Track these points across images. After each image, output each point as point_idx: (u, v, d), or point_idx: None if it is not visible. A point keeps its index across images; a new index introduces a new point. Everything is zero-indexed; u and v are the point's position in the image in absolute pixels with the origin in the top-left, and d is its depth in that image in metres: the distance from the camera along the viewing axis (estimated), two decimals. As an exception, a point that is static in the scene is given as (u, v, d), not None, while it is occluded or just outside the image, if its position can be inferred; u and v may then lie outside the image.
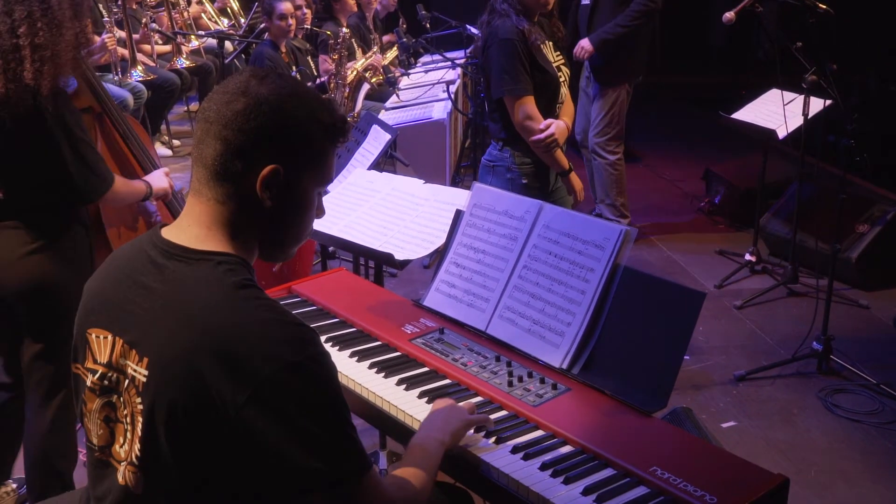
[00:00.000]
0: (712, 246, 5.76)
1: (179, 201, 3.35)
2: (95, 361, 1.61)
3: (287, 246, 1.69)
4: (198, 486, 1.51)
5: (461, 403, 1.94)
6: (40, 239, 2.62)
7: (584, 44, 5.47)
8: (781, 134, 4.83)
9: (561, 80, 3.45)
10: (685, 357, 4.20)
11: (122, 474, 1.58)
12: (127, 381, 1.55)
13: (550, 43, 3.46)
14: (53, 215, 2.67)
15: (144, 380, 1.51)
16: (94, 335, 1.62)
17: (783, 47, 4.54)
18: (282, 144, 1.55)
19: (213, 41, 7.72)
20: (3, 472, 3.08)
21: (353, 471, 1.51)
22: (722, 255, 5.59)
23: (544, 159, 3.45)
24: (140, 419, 1.53)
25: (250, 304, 1.50)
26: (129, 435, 1.56)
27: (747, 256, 5.34)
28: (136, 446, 1.54)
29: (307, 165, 1.59)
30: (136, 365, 1.53)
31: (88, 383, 1.63)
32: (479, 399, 2.03)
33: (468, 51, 6.39)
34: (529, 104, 3.34)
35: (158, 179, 3.11)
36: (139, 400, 1.53)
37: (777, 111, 4.88)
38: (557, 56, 3.48)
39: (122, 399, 1.57)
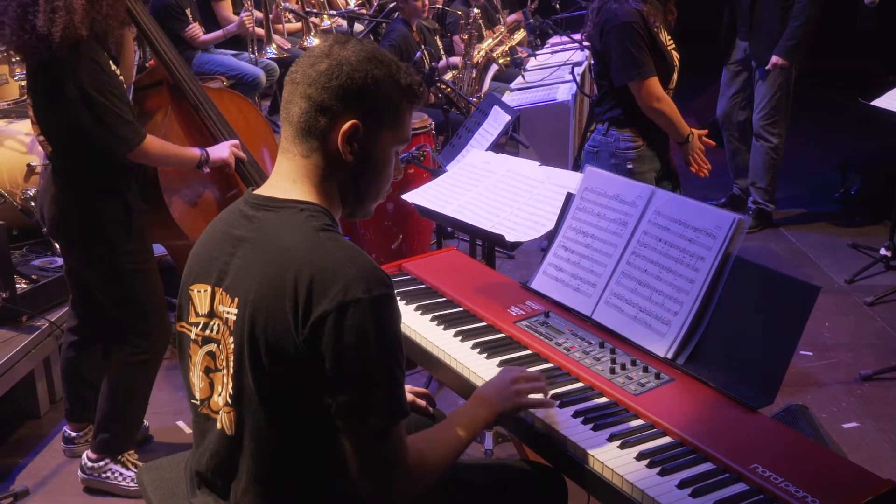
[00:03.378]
0: (846, 239, 5.51)
1: (252, 172, 3.43)
2: (197, 314, 1.73)
3: (366, 201, 1.78)
4: (279, 424, 1.62)
5: (522, 372, 1.92)
6: (76, 198, 2.86)
7: (777, 61, 5.37)
8: (925, 123, 4.56)
9: (675, 64, 3.42)
10: (808, 353, 4.05)
11: (220, 421, 1.69)
12: (223, 326, 1.67)
13: (663, 27, 3.40)
14: (88, 178, 2.86)
15: (234, 318, 1.63)
16: (195, 290, 1.74)
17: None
18: (362, 102, 1.66)
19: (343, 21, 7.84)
20: (85, 414, 3.31)
21: (386, 414, 1.57)
22: (855, 248, 5.34)
23: (665, 128, 3.41)
24: (232, 358, 1.64)
25: (330, 243, 1.61)
26: (224, 380, 1.67)
27: (882, 251, 5.08)
28: (230, 385, 1.65)
29: (385, 123, 1.70)
30: (229, 307, 1.65)
31: (192, 336, 1.75)
32: (578, 385, 2.01)
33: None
34: (656, 86, 3.32)
35: (218, 150, 3.22)
36: (231, 340, 1.64)
37: (922, 98, 4.61)
38: (669, 40, 3.42)
39: (220, 347, 1.68)
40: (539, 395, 1.89)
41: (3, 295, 3.42)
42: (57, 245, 3.82)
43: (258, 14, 6.43)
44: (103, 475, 3.10)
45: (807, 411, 2.59)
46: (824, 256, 5.29)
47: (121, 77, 2.87)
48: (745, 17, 5.47)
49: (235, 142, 3.33)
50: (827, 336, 4.24)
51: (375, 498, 1.64)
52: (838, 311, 4.51)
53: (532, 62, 7.21)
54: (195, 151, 3.14)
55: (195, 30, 5.95)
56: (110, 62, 2.81)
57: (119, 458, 3.13)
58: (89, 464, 3.11)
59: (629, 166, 3.42)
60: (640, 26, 3.27)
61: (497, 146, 4.07)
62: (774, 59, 5.36)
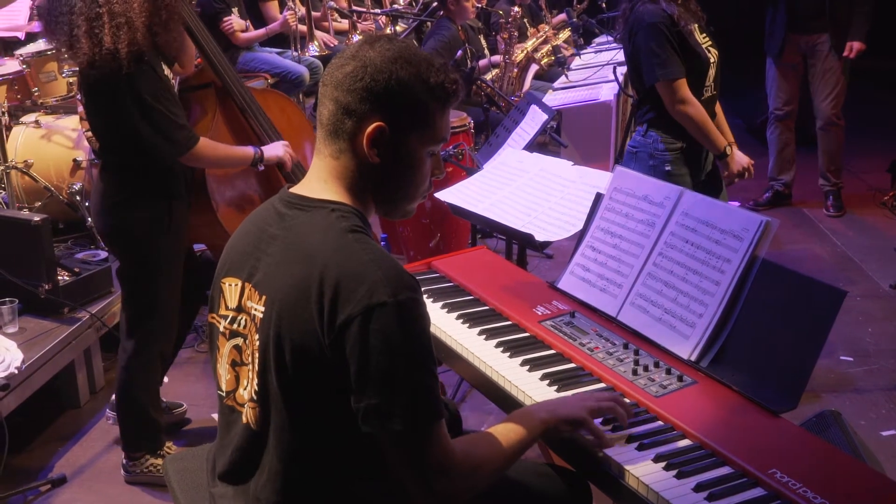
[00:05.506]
0: (893, 243, 5.38)
1: (298, 174, 3.42)
2: (227, 308, 1.76)
3: (400, 203, 1.78)
4: (301, 424, 1.63)
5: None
6: (122, 195, 2.93)
7: (857, 46, 5.43)
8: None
9: (711, 61, 3.36)
10: (848, 358, 3.98)
11: (245, 415, 1.71)
12: (250, 322, 1.68)
13: (696, 25, 3.36)
14: (136, 177, 2.93)
15: (261, 316, 1.64)
16: (226, 284, 1.77)
17: None
18: (386, 104, 1.64)
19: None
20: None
21: (421, 418, 1.56)
22: (902, 253, 5.23)
23: (699, 139, 3.36)
24: (257, 355, 1.65)
25: (357, 245, 1.61)
26: (250, 374, 1.69)
27: (931, 257, 4.98)
28: (255, 381, 1.67)
29: (413, 125, 1.68)
30: (257, 304, 1.66)
31: (221, 328, 1.77)
32: (600, 385, 2.01)
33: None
34: (683, 88, 3.27)
35: (273, 148, 3.25)
36: (257, 337, 1.66)
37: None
38: (705, 38, 3.38)
39: (246, 342, 1.70)
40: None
41: (46, 287, 3.50)
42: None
43: (301, 11, 6.48)
44: (145, 470, 3.15)
45: (840, 417, 2.54)
46: (870, 261, 5.18)
47: (174, 80, 2.97)
48: (823, 8, 5.41)
49: (287, 143, 3.34)
50: (869, 342, 4.16)
51: (422, 501, 1.63)
52: (882, 316, 4.42)
53: (576, 61, 7.17)
54: (248, 150, 3.16)
55: (231, 23, 5.94)
56: (163, 66, 2.88)
57: (158, 452, 3.16)
58: (129, 463, 3.16)
59: (667, 168, 3.38)
60: (665, 26, 3.23)
61: (538, 146, 4.06)
62: (858, 45, 5.41)
